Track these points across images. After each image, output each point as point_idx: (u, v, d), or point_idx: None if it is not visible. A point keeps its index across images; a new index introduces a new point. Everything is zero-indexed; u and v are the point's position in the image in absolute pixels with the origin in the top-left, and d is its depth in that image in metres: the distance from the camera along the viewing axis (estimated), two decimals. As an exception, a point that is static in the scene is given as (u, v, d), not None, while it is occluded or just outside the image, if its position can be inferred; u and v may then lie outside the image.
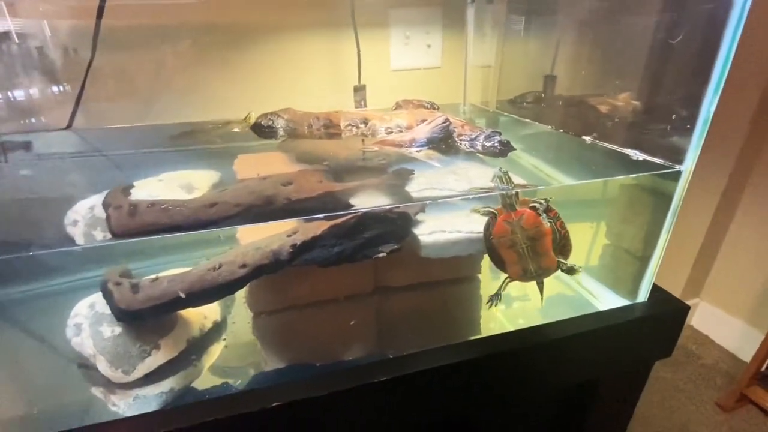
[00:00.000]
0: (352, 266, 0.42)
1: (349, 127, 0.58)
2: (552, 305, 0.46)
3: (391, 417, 0.38)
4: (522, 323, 0.46)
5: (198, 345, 0.43)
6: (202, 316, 0.44)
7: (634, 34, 0.55)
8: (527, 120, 0.71)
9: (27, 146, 0.62)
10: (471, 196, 0.37)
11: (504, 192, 0.36)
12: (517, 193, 0.36)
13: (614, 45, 0.62)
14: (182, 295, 0.34)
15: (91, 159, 0.60)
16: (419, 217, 0.40)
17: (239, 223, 0.37)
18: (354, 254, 0.37)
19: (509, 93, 0.82)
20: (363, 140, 0.56)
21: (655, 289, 0.46)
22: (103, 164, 0.59)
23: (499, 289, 0.40)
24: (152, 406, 0.37)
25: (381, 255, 0.36)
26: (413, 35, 0.82)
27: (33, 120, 0.67)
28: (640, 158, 0.45)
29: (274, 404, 0.34)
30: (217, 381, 0.41)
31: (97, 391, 0.39)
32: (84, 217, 0.41)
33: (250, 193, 0.39)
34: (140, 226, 0.37)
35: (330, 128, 0.58)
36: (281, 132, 0.58)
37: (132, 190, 0.44)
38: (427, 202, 0.37)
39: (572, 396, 0.48)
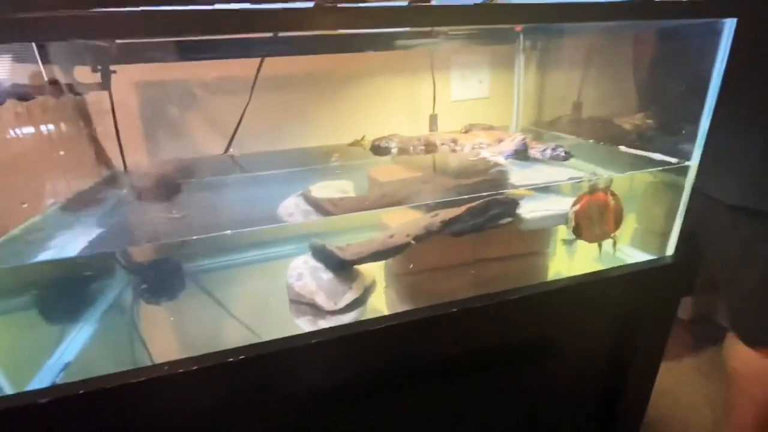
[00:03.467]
0: (459, 242, 0.63)
1: (443, 145, 0.80)
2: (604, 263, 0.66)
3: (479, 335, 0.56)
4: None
5: (368, 291, 0.64)
6: (368, 272, 0.65)
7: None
8: (566, 135, 0.93)
9: (208, 167, 0.85)
10: (560, 184, 0.58)
11: (591, 181, 0.57)
12: (596, 182, 0.57)
13: (625, 79, 0.85)
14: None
15: (256, 175, 0.82)
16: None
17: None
18: (482, 226, 0.57)
19: (546, 117, 1.05)
20: (456, 153, 0.77)
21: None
22: (266, 178, 0.81)
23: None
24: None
25: (502, 224, 0.57)
26: (468, 74, 1.05)
27: (196, 147, 0.90)
28: (658, 158, 0.66)
29: (401, 321, 0.52)
30: (375, 312, 0.61)
31: (310, 316, 0.59)
32: (296, 210, 0.63)
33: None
34: (342, 210, 0.59)
35: (429, 146, 0.80)
36: (394, 151, 0.80)
37: (312, 193, 0.66)
38: (535, 187, 0.59)
39: (617, 329, 0.67)
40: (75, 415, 0.42)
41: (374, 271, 0.68)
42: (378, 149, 0.81)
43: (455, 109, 1.07)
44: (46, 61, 0.62)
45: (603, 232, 0.59)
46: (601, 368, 0.69)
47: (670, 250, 0.66)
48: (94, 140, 0.72)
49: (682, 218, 0.64)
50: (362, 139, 0.88)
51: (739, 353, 0.74)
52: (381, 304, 0.64)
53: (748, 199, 0.66)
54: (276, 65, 0.87)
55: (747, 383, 0.74)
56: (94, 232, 0.57)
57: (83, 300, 0.62)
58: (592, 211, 0.57)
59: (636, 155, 0.72)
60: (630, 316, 0.65)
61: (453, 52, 1.02)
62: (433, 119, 1.00)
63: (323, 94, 0.96)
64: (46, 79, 0.62)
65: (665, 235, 0.68)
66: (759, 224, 0.66)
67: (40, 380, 0.47)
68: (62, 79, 0.65)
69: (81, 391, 0.41)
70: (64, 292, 0.59)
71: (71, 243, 0.53)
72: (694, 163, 0.61)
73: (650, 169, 0.65)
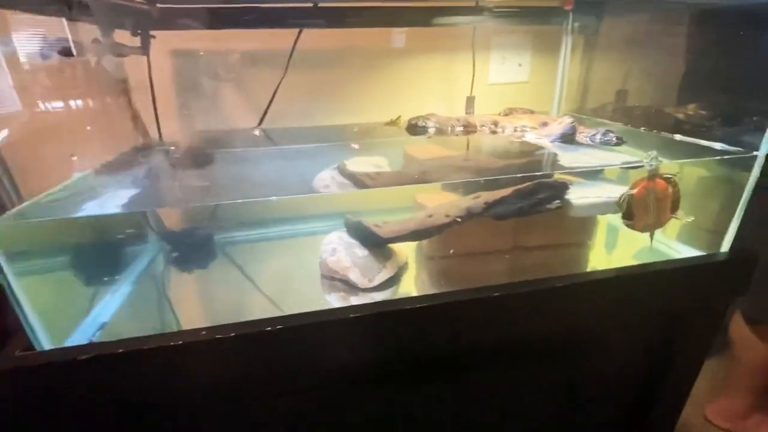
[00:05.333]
0: (497, 226, 0.60)
1: (483, 127, 0.76)
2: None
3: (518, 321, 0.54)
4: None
5: (401, 271, 0.62)
6: (402, 252, 0.63)
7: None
8: (611, 122, 0.88)
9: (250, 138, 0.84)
10: (614, 168, 0.54)
11: (651, 166, 0.53)
12: (658, 167, 0.53)
13: (681, 65, 0.79)
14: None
15: (288, 149, 0.81)
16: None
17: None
18: (529, 209, 0.54)
19: (590, 103, 0.99)
20: (497, 135, 0.74)
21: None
22: (298, 153, 0.79)
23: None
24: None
25: (549, 209, 0.54)
26: (509, 56, 1.00)
27: (229, 119, 0.89)
28: (719, 148, 0.62)
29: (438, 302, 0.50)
30: (407, 294, 0.59)
31: (342, 292, 0.58)
32: (332, 182, 0.61)
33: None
34: (380, 184, 0.57)
35: (468, 128, 0.77)
36: (431, 131, 0.78)
37: (347, 166, 0.64)
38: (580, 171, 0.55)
39: (660, 327, 0.64)
40: (112, 373, 0.42)
41: (406, 252, 0.66)
42: (414, 128, 0.79)
43: (492, 93, 1.03)
44: (88, 20, 0.61)
45: (656, 222, 0.56)
46: (638, 366, 0.66)
47: (725, 247, 0.61)
48: (131, 105, 0.72)
49: (742, 213, 0.59)
50: (398, 119, 0.85)
51: (739, 327, 0.87)
52: (412, 286, 0.62)
53: None
54: (312, 40, 0.84)
55: (742, 353, 0.89)
56: (127, 195, 0.57)
57: (117, 264, 0.62)
58: (649, 198, 0.53)
59: (693, 144, 0.67)
60: (676, 314, 0.62)
61: (494, 32, 0.97)
62: (470, 101, 0.96)
63: (358, 71, 0.93)
64: (88, 39, 0.61)
65: (716, 232, 0.64)
66: None
67: (77, 338, 0.47)
68: (103, 41, 0.64)
69: (120, 350, 0.41)
70: (100, 254, 0.59)
71: (104, 203, 0.52)
72: (762, 153, 0.57)
73: (717, 158, 0.60)
